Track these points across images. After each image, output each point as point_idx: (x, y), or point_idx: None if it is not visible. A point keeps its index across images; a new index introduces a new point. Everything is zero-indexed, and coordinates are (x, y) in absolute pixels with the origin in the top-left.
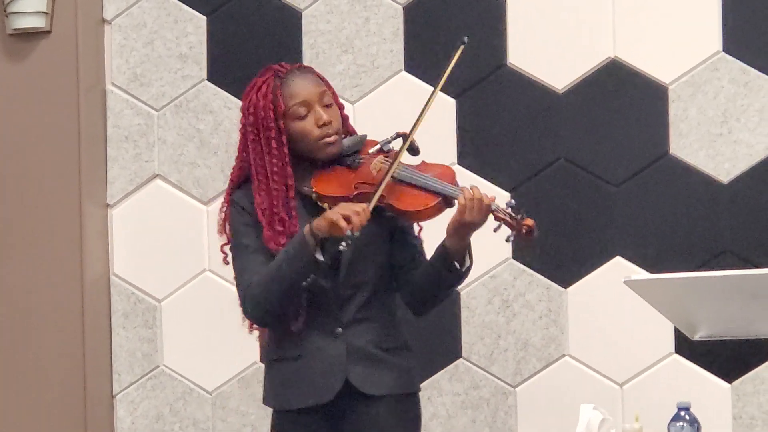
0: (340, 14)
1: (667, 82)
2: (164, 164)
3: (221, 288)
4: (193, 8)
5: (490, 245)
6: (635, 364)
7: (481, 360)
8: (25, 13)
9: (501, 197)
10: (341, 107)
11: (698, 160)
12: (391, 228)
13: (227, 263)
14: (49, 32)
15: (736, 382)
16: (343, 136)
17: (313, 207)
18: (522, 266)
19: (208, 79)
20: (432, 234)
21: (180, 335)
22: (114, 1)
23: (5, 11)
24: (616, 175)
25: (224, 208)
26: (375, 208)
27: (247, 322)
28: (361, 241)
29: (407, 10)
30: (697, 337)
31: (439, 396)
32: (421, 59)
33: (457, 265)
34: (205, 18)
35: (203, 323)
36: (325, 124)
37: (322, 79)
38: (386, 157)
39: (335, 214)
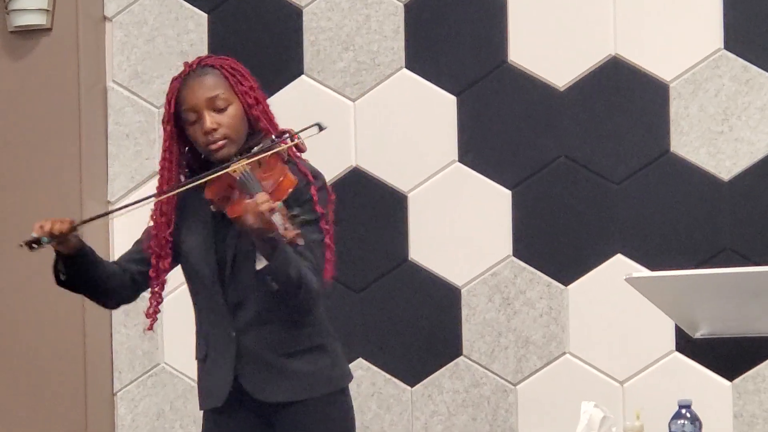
0: (341, 11)
1: (668, 80)
2: None
3: None
4: (194, 5)
5: (491, 243)
6: (636, 361)
7: (482, 358)
8: (26, 11)
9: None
10: (249, 105)
11: (699, 158)
12: None
13: None
14: (50, 29)
15: (737, 380)
16: (259, 134)
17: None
18: (523, 264)
19: None
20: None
21: (180, 333)
22: None
23: (6, 8)
24: (617, 172)
25: None
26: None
27: None
28: (245, 243)
29: (408, 7)
30: (697, 335)
31: (439, 394)
32: (422, 57)
33: (257, 264)
34: (206, 15)
35: None
36: (207, 132)
37: (230, 77)
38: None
39: (45, 218)
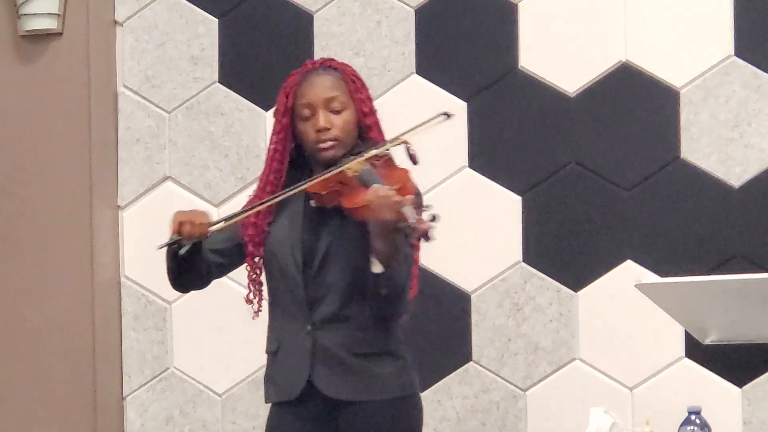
0: (352, 17)
1: (678, 86)
2: (175, 166)
3: (232, 290)
4: (204, 10)
5: (501, 248)
6: (646, 367)
7: (492, 363)
8: (37, 15)
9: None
10: (364, 114)
11: (709, 164)
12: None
13: None
14: (61, 34)
15: (746, 387)
16: (369, 142)
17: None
18: (533, 269)
19: (220, 82)
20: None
21: (190, 337)
22: (126, 3)
23: (17, 13)
24: (628, 178)
25: None
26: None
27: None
28: (336, 240)
29: (419, 13)
30: (707, 341)
31: (449, 399)
32: (433, 62)
33: (374, 268)
34: (216, 20)
35: (213, 325)
36: (320, 130)
37: (351, 82)
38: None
39: (179, 216)
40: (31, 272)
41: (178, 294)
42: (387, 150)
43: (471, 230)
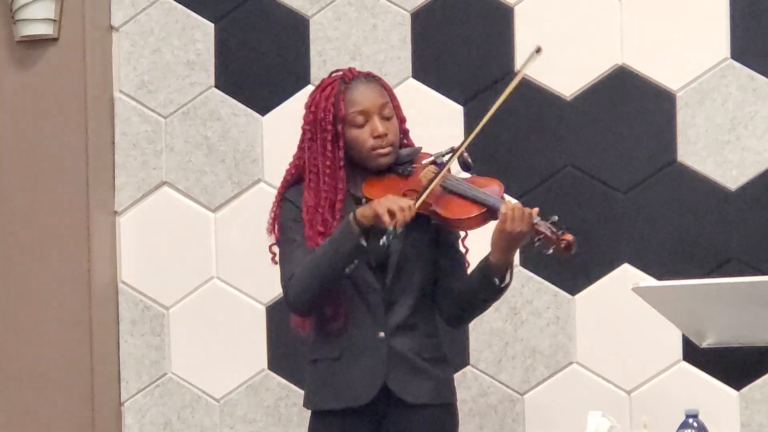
0: (348, 21)
1: (674, 89)
2: (172, 171)
3: (229, 295)
4: (200, 15)
5: None
6: (643, 371)
7: (489, 367)
8: (32, 20)
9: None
10: (402, 120)
11: (706, 168)
12: (438, 236)
13: (275, 263)
14: (56, 39)
15: (744, 390)
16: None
17: None
18: (530, 273)
19: (216, 87)
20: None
21: (188, 343)
22: (121, 8)
23: (13, 18)
24: (624, 182)
25: (275, 207)
26: (422, 216)
27: (294, 321)
28: (408, 246)
29: (415, 17)
30: (705, 344)
31: None
32: (429, 66)
33: (497, 281)
34: (212, 25)
35: (211, 331)
36: (379, 136)
37: (389, 90)
38: (438, 168)
39: (381, 206)
40: (28, 278)
41: (176, 299)
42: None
43: (468, 234)
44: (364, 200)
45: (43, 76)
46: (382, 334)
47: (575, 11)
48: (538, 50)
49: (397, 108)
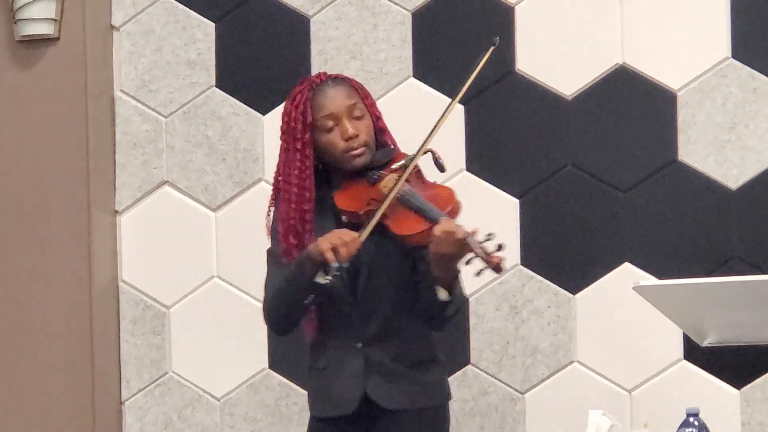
0: (349, 21)
1: (675, 89)
2: (173, 171)
3: (230, 294)
4: (201, 15)
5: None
6: (644, 370)
7: (490, 366)
8: (33, 20)
9: (484, 230)
10: (378, 118)
11: (707, 167)
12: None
13: None
14: (57, 39)
15: (745, 388)
16: (379, 147)
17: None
18: (530, 272)
19: (217, 86)
20: None
21: (188, 342)
22: (122, 7)
23: (14, 18)
24: (625, 181)
25: (269, 212)
26: (381, 227)
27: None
28: (379, 257)
29: (415, 16)
30: (705, 343)
31: None
32: (430, 66)
33: (440, 296)
34: (213, 24)
35: (212, 330)
36: (350, 138)
37: (359, 90)
38: (400, 174)
39: (324, 243)
40: (28, 277)
41: (177, 298)
42: (413, 160)
43: None
44: (333, 207)
45: (44, 75)
46: (359, 344)
47: (576, 10)
48: (495, 43)
49: (370, 106)
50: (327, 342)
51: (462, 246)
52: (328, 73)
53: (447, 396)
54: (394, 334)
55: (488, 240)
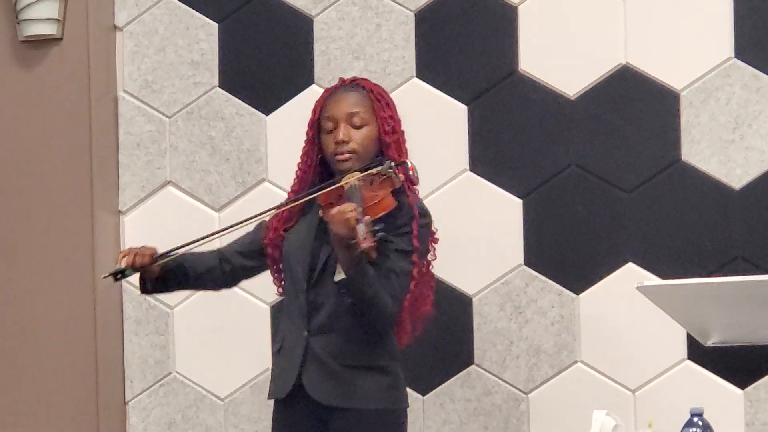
0: (352, 21)
1: (678, 89)
2: (176, 171)
3: (233, 295)
4: (204, 15)
5: (502, 252)
6: (648, 370)
7: (494, 366)
8: (36, 20)
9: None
10: (387, 131)
11: (710, 167)
12: None
13: None
14: (60, 39)
15: (749, 388)
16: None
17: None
18: (534, 272)
19: (220, 86)
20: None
21: (192, 342)
22: (125, 8)
23: (17, 18)
24: (628, 181)
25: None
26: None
27: None
28: (334, 254)
29: (419, 16)
30: (709, 343)
31: (451, 402)
32: (433, 66)
33: (336, 276)
34: (216, 25)
35: (215, 330)
36: (338, 143)
37: (376, 101)
38: (358, 179)
39: (121, 252)
40: (32, 278)
41: (180, 299)
42: (390, 169)
43: (472, 234)
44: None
45: (47, 75)
46: (305, 333)
47: (579, 10)
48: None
49: (383, 118)
50: (282, 326)
51: (351, 228)
52: (359, 77)
53: (394, 402)
54: (337, 330)
55: (376, 231)
